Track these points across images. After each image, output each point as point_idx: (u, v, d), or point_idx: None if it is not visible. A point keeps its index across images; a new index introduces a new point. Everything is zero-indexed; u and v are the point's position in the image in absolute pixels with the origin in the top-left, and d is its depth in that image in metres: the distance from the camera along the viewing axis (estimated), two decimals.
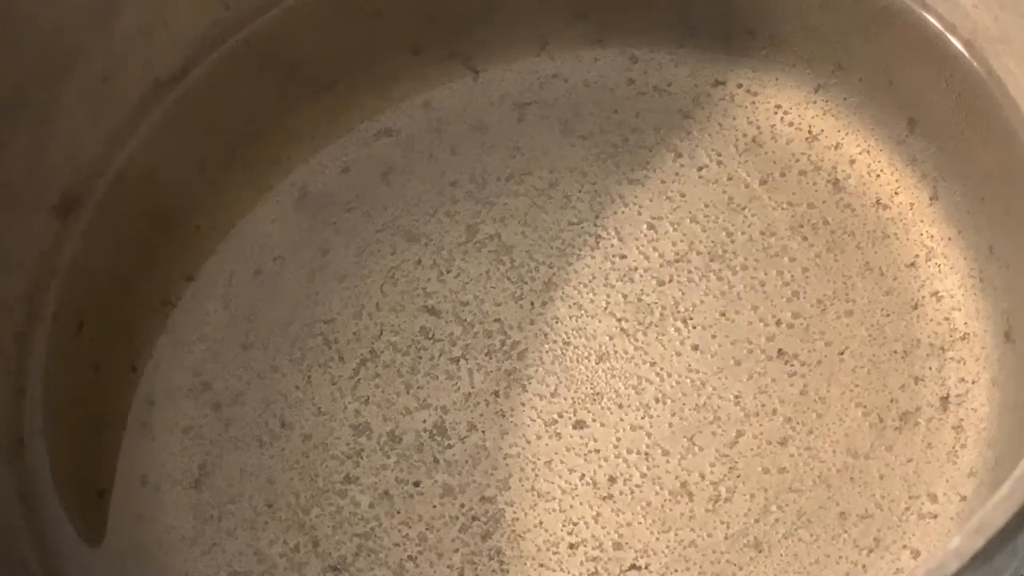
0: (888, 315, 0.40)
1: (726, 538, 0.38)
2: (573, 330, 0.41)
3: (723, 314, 0.41)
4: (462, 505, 0.39)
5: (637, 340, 0.41)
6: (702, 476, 0.39)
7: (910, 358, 0.39)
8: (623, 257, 0.42)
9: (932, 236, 0.41)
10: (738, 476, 0.39)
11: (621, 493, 0.39)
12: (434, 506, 0.40)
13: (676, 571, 0.38)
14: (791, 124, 0.43)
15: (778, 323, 0.40)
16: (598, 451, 0.39)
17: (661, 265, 0.42)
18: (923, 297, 0.40)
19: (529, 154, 0.44)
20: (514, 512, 0.39)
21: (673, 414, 0.40)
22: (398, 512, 0.40)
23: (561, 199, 0.43)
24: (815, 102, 0.43)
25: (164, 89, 0.43)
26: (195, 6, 0.43)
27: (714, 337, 0.40)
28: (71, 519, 0.40)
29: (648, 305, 0.41)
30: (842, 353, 0.40)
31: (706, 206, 0.42)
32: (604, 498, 0.39)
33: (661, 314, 0.41)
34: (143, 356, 0.42)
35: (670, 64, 0.44)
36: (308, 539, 0.40)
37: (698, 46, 0.44)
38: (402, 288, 0.42)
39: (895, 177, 0.42)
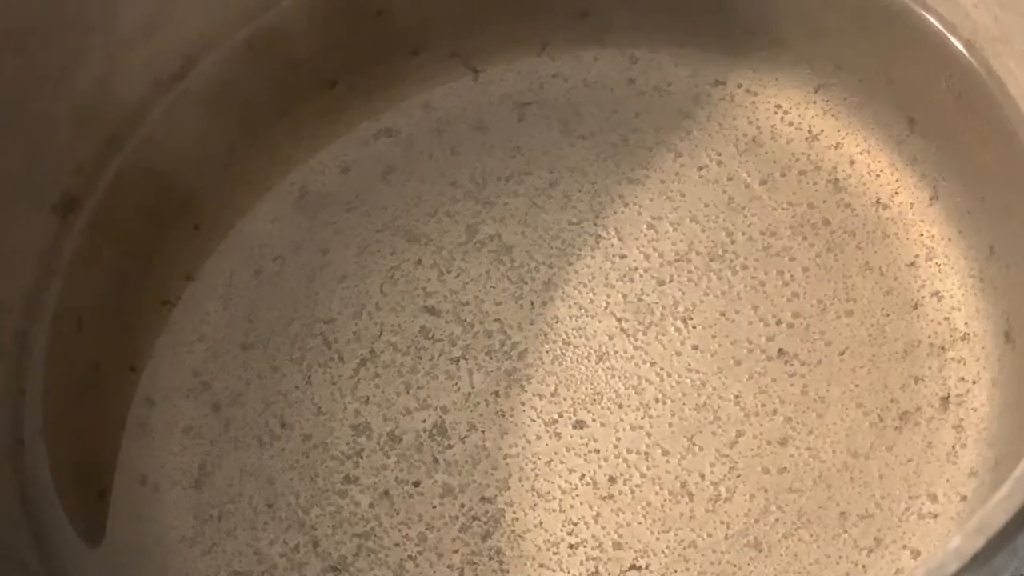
0: (888, 315, 0.40)
1: (726, 538, 0.38)
2: (573, 330, 0.41)
3: (723, 314, 0.41)
4: (462, 505, 0.39)
5: (637, 340, 0.41)
6: (702, 476, 0.39)
7: (910, 358, 0.39)
8: (623, 257, 0.42)
9: (932, 236, 0.41)
10: (738, 476, 0.39)
11: (621, 493, 0.39)
12: (434, 506, 0.40)
13: (676, 571, 0.38)
14: (791, 124, 0.43)
15: (778, 323, 0.40)
16: (598, 451, 0.39)
17: (661, 265, 0.42)
18: (923, 297, 0.40)
19: (529, 154, 0.44)
20: (514, 512, 0.39)
21: (673, 414, 0.40)
22: (398, 512, 0.40)
23: (561, 199, 0.43)
24: (815, 102, 0.43)
25: (164, 89, 0.43)
26: (195, 6, 0.43)
27: (714, 337, 0.40)
28: (71, 519, 0.40)
29: (648, 305, 0.41)
30: (842, 353, 0.40)
31: (706, 206, 0.42)
32: (604, 498, 0.39)
33: (661, 314, 0.41)
34: (143, 356, 0.42)
35: (670, 64, 0.44)
36: (308, 539, 0.40)
37: (698, 46, 0.44)
38: (402, 288, 0.42)
39: (895, 177, 0.42)
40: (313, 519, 0.40)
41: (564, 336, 0.41)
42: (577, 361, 0.41)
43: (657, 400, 0.40)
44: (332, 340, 0.42)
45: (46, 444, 0.40)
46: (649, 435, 0.39)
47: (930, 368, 0.39)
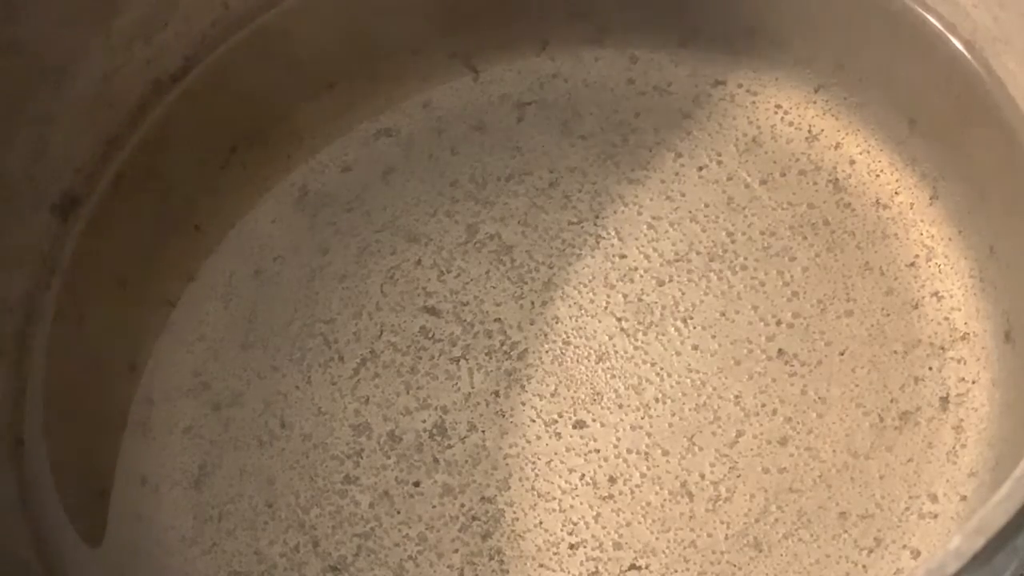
0: (888, 315, 0.40)
1: (726, 538, 0.38)
2: (573, 330, 0.41)
3: (723, 314, 0.41)
4: (462, 505, 0.39)
5: (637, 340, 0.41)
6: (702, 476, 0.39)
7: (910, 358, 0.39)
8: (623, 257, 0.42)
9: (932, 236, 0.41)
10: (738, 476, 0.39)
11: (621, 493, 0.39)
12: (434, 506, 0.40)
13: (676, 571, 0.38)
14: (791, 124, 0.43)
15: (778, 323, 0.40)
16: (598, 451, 0.39)
17: (661, 265, 0.42)
18: (923, 297, 0.40)
19: (529, 154, 0.44)
20: (514, 512, 0.39)
21: (673, 414, 0.40)
22: (398, 512, 0.40)
23: (561, 199, 0.43)
24: (815, 102, 0.43)
25: (164, 89, 0.43)
26: (195, 6, 0.43)
27: (714, 337, 0.40)
28: (71, 519, 0.40)
29: (648, 305, 0.41)
30: (842, 353, 0.40)
31: (706, 206, 0.42)
32: (604, 498, 0.39)
33: (661, 314, 0.41)
34: (143, 356, 0.42)
35: (670, 64, 0.44)
36: (308, 539, 0.40)
37: (698, 46, 0.44)
38: (402, 288, 0.42)
39: (895, 177, 0.42)
40: (313, 519, 0.40)
41: (564, 336, 0.41)
42: (577, 361, 0.41)
43: (657, 400, 0.40)
44: (332, 340, 0.42)
45: (46, 444, 0.40)
46: (649, 435, 0.39)
47: (930, 368, 0.39)
